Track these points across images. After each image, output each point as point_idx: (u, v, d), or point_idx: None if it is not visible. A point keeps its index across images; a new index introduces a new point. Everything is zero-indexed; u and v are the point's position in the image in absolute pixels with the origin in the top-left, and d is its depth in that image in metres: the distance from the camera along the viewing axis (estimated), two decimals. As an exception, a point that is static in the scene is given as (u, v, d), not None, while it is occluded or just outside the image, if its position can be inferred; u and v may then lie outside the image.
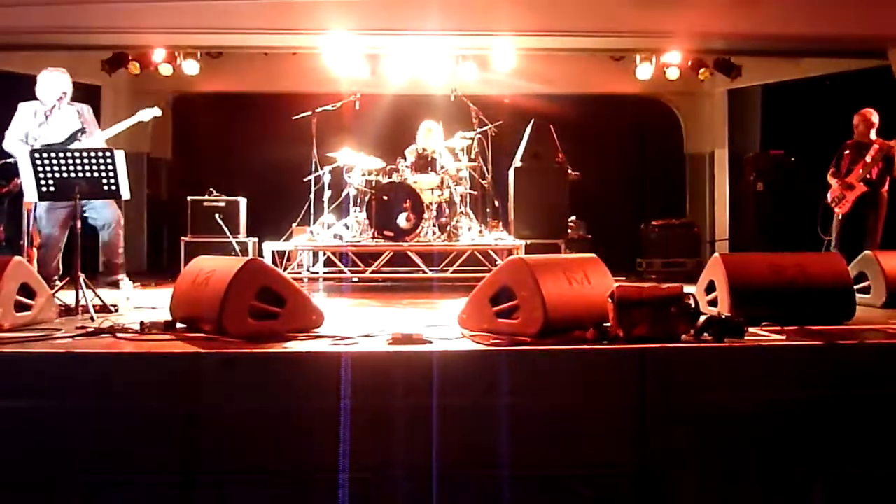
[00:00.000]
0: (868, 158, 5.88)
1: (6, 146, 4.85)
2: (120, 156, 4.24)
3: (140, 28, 6.70)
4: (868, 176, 5.88)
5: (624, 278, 6.75)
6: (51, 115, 4.84)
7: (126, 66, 7.94)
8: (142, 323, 3.44)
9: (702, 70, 8.07)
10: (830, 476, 2.93)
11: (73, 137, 4.93)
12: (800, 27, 6.74)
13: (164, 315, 3.64)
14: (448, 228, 6.77)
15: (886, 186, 5.95)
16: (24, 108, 4.97)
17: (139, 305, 4.58)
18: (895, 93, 7.13)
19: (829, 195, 6.13)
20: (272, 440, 2.79)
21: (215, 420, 2.79)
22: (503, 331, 3.22)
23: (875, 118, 6.05)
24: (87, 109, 5.21)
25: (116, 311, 4.18)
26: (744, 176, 8.47)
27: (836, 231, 6.07)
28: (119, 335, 3.31)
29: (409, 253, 6.52)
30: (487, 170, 7.30)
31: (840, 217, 6.05)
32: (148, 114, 5.35)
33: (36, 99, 5.00)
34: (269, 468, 2.80)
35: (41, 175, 4.13)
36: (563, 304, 3.20)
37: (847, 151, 6.09)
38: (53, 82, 5.00)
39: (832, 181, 6.13)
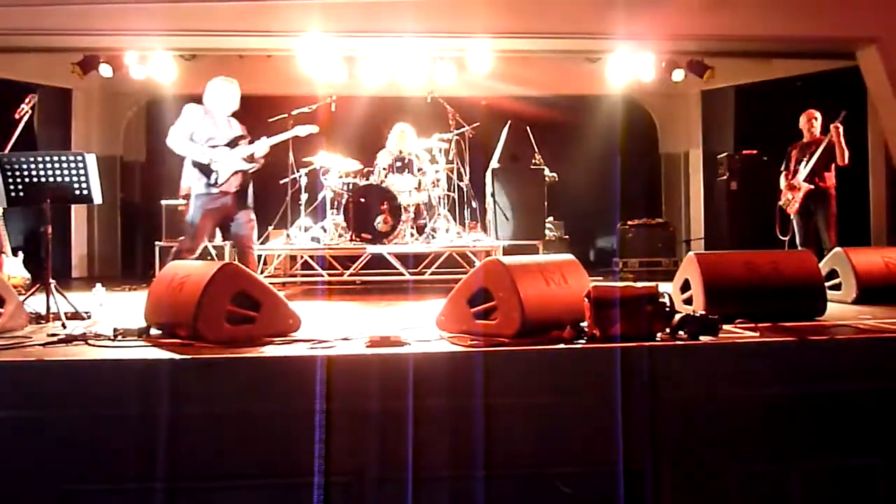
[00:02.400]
0: (811, 157, 5.97)
1: (171, 143, 4.91)
2: (91, 160, 4.18)
3: (112, 30, 6.62)
4: (808, 172, 5.98)
5: (601, 278, 6.80)
6: (218, 120, 5.03)
7: (98, 69, 7.83)
8: (115, 329, 3.39)
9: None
10: (805, 469, 2.98)
11: (234, 142, 5.02)
12: (771, 29, 6.85)
13: (139, 321, 3.59)
14: (426, 230, 6.77)
15: (831, 182, 6.00)
16: (191, 109, 5.01)
17: (112, 312, 4.51)
18: (864, 93, 7.28)
19: (781, 197, 6.23)
20: (250, 445, 2.77)
21: (191, 427, 2.76)
22: (481, 332, 3.22)
23: (817, 116, 6.13)
24: (240, 125, 5.30)
25: (89, 317, 4.11)
26: (718, 175, 8.58)
27: (795, 232, 6.15)
28: (91, 342, 3.25)
29: (387, 255, 6.51)
30: (465, 171, 7.31)
31: (793, 218, 6.14)
32: (305, 130, 5.45)
33: (199, 103, 5.08)
34: (248, 473, 2.78)
35: (10, 180, 4.05)
36: (541, 304, 3.22)
37: (794, 152, 6.18)
38: (231, 93, 5.11)
39: (783, 184, 6.22)
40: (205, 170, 4.88)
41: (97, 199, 4.25)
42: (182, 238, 5.01)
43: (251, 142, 5.08)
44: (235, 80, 5.16)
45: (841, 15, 6.75)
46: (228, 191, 4.93)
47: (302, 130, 5.43)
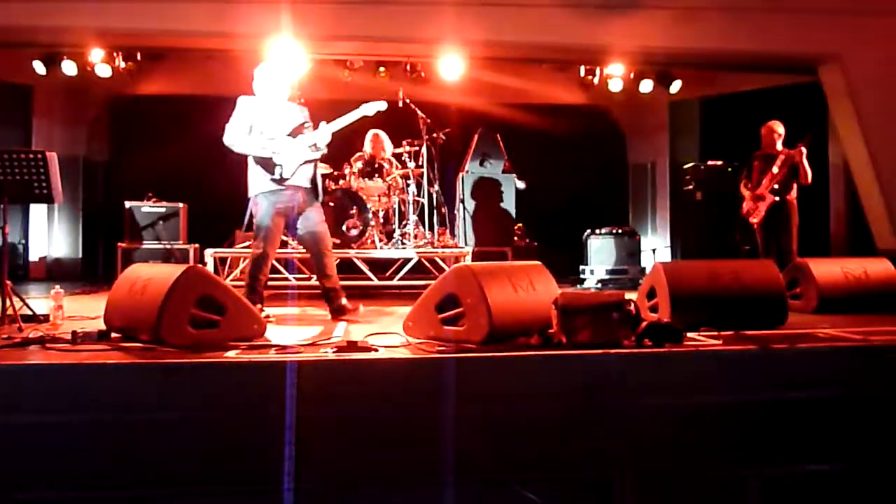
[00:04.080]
0: (774, 169, 6.10)
1: (228, 140, 4.41)
2: (52, 158, 4.08)
3: (76, 27, 6.48)
4: (776, 186, 6.10)
5: (568, 285, 6.85)
6: (276, 108, 4.52)
7: (60, 66, 7.65)
8: (74, 333, 3.30)
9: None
10: (765, 475, 3.03)
11: (298, 130, 4.53)
12: (736, 43, 6.99)
13: (99, 325, 3.50)
14: (395, 236, 6.75)
15: (794, 194, 6.16)
16: (245, 101, 4.51)
17: (72, 315, 4.39)
18: (825, 107, 7.47)
19: (743, 207, 6.34)
20: (214, 452, 2.72)
21: (153, 433, 2.69)
22: (449, 338, 3.22)
23: (780, 129, 6.24)
24: (303, 108, 4.78)
25: (46, 321, 4.00)
26: (684, 185, 8.71)
27: (758, 242, 6.27)
28: (49, 346, 3.17)
29: (356, 260, 6.46)
30: (435, 177, 7.31)
31: (756, 227, 6.25)
32: (373, 107, 4.82)
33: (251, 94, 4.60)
34: (212, 480, 2.73)
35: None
36: (509, 311, 3.23)
37: (756, 163, 6.30)
38: (280, 75, 4.60)
39: (744, 193, 6.33)
40: (268, 165, 4.38)
41: (58, 199, 4.16)
42: (253, 243, 4.53)
43: (315, 128, 4.59)
44: (281, 63, 4.70)
45: (804, 32, 6.92)
46: (298, 185, 4.46)
47: (370, 109, 4.81)
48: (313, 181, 4.56)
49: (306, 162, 4.48)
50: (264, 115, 4.46)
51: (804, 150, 5.99)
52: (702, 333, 3.46)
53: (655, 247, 9.42)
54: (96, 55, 7.48)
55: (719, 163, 8.40)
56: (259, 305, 4.38)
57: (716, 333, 3.43)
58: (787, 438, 3.04)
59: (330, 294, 4.59)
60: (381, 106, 4.82)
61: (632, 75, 8.28)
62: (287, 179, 4.40)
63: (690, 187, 8.47)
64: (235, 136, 4.40)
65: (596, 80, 8.29)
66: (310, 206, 4.55)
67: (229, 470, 2.72)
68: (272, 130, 4.43)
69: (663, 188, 9.68)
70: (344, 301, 4.60)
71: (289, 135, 4.47)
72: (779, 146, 6.20)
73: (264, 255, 4.42)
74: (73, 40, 7.05)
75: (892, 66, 6.91)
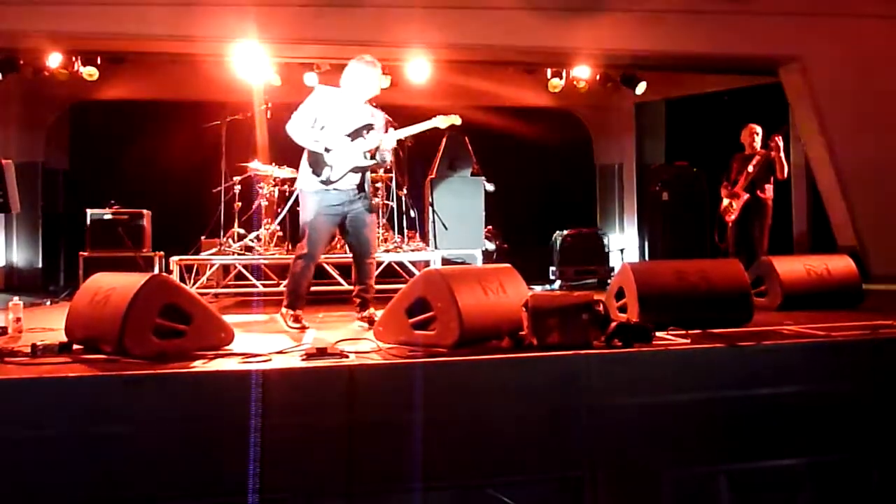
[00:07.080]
0: (750, 168, 6.25)
1: (290, 129, 4.23)
2: (9, 166, 3.98)
3: (33, 30, 6.32)
4: (750, 184, 6.24)
5: (539, 287, 6.88)
6: (348, 106, 4.31)
7: (17, 70, 7.45)
8: (33, 345, 3.21)
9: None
10: (733, 471, 3.07)
11: (358, 133, 4.29)
12: (699, 46, 7.11)
13: (60, 337, 3.41)
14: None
15: (769, 193, 6.30)
16: (319, 92, 4.32)
17: (32, 327, 4.27)
18: (786, 107, 7.63)
19: (720, 206, 6.48)
20: (180, 465, 2.66)
21: (117, 448, 2.63)
22: (420, 342, 3.20)
23: (758, 130, 6.41)
24: (381, 114, 4.53)
25: (4, 333, 3.89)
26: (650, 186, 8.82)
27: (730, 239, 6.41)
28: (7, 360, 3.07)
29: (325, 265, 6.41)
30: (403, 181, 7.29)
31: (731, 226, 6.39)
32: (446, 120, 4.63)
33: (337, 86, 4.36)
34: (178, 495, 2.67)
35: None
36: (479, 314, 3.22)
37: (735, 163, 6.46)
38: (372, 76, 4.37)
39: (723, 193, 6.47)
40: (317, 165, 4.23)
41: (15, 208, 4.05)
42: (299, 244, 4.36)
43: (385, 130, 4.42)
44: (379, 63, 4.44)
45: (764, 34, 7.06)
46: (344, 188, 4.29)
47: (442, 122, 4.63)
48: (361, 187, 4.37)
49: (357, 169, 4.31)
50: (333, 109, 4.28)
51: (780, 143, 6.13)
52: (670, 333, 3.50)
53: (623, 247, 9.52)
54: (54, 59, 7.29)
55: (685, 163, 8.53)
56: (299, 311, 4.28)
57: (684, 332, 3.47)
58: (753, 434, 3.09)
59: (364, 301, 4.43)
60: (455, 120, 4.69)
61: (597, 77, 8.35)
62: (333, 183, 4.25)
63: (657, 188, 8.58)
64: (297, 126, 4.22)
65: (562, 83, 8.35)
66: (359, 210, 4.36)
67: (195, 482, 2.67)
68: (334, 127, 4.26)
69: (630, 189, 9.80)
70: (372, 310, 4.39)
71: (348, 135, 4.28)
72: (757, 147, 6.35)
73: (306, 255, 4.26)
74: (29, 44, 6.87)
75: (851, 67, 7.09)
